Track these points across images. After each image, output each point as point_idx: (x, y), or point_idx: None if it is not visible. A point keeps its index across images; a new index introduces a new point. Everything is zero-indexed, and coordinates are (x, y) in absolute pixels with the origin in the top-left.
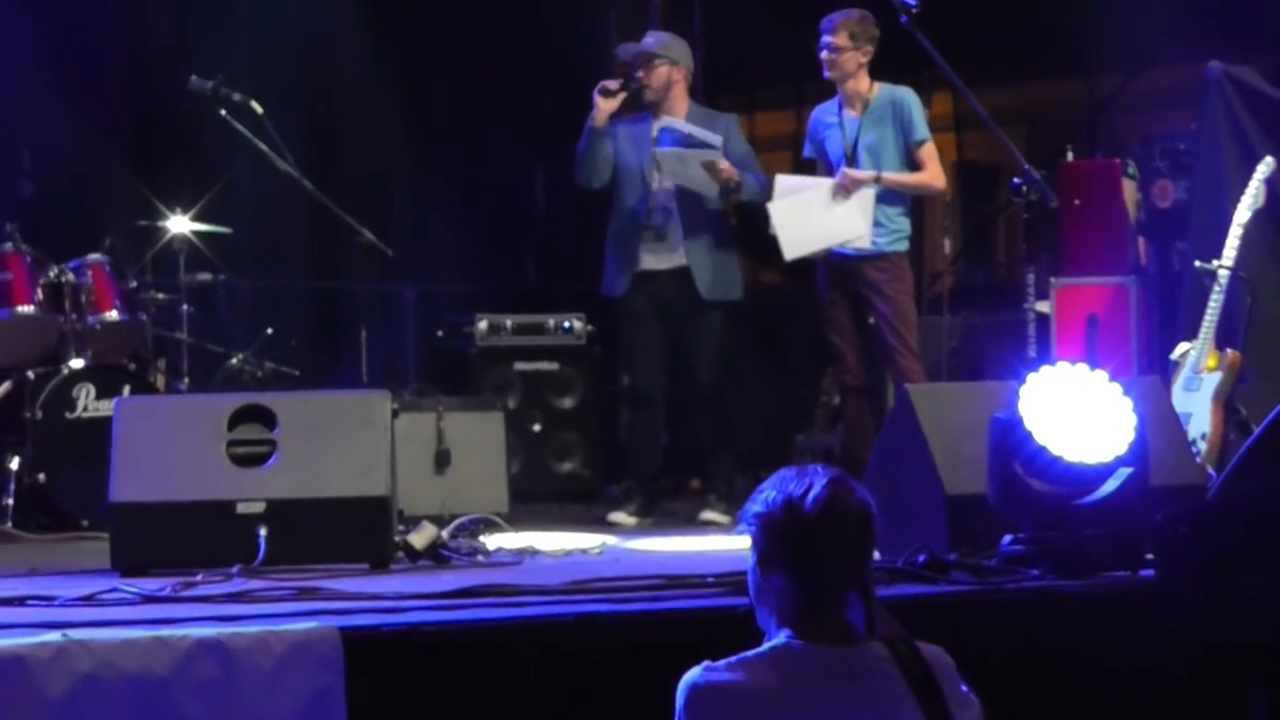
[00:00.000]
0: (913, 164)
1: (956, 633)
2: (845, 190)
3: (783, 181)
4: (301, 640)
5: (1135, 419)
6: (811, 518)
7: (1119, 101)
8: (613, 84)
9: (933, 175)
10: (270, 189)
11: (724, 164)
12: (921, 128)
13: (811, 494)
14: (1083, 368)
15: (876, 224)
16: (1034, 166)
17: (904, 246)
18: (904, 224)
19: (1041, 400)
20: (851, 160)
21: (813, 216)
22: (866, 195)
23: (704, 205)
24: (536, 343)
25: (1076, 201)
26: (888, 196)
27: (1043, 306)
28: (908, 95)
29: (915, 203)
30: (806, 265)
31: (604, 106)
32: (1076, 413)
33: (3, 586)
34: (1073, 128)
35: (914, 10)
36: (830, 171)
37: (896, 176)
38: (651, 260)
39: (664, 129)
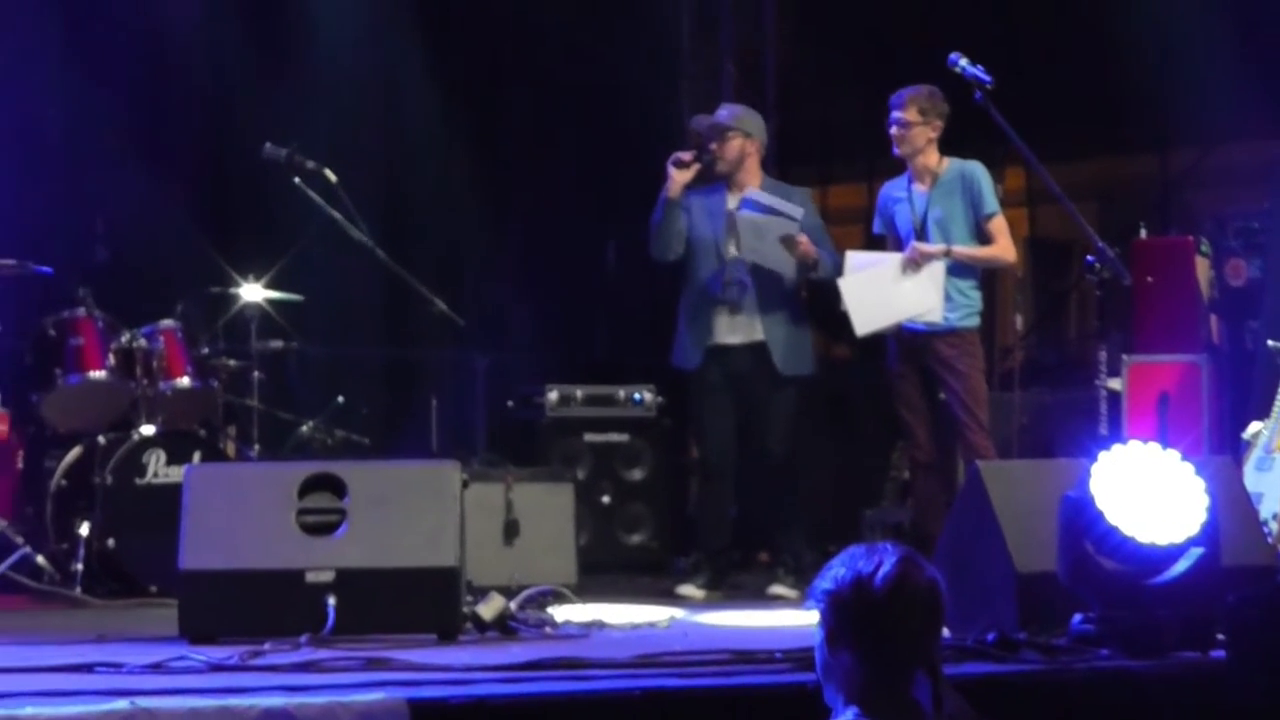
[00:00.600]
0: (983, 238)
1: (1025, 712)
2: (915, 265)
3: (853, 258)
4: (369, 711)
5: (1207, 499)
6: (880, 596)
7: (1192, 178)
8: (686, 155)
9: (1003, 249)
10: (343, 257)
11: (802, 239)
12: (991, 201)
13: (881, 572)
14: (1154, 447)
15: (947, 298)
16: (1107, 243)
17: (975, 322)
18: (975, 298)
19: (1113, 479)
20: (921, 235)
21: (883, 292)
22: (937, 269)
23: (779, 279)
24: (607, 414)
25: (1149, 279)
26: (959, 270)
27: (1115, 384)
28: (977, 169)
29: (986, 278)
30: (877, 340)
31: (678, 178)
32: (1148, 492)
33: (71, 653)
34: (1145, 204)
35: (988, 86)
36: (900, 246)
37: (966, 250)
38: (726, 334)
39: (746, 199)
